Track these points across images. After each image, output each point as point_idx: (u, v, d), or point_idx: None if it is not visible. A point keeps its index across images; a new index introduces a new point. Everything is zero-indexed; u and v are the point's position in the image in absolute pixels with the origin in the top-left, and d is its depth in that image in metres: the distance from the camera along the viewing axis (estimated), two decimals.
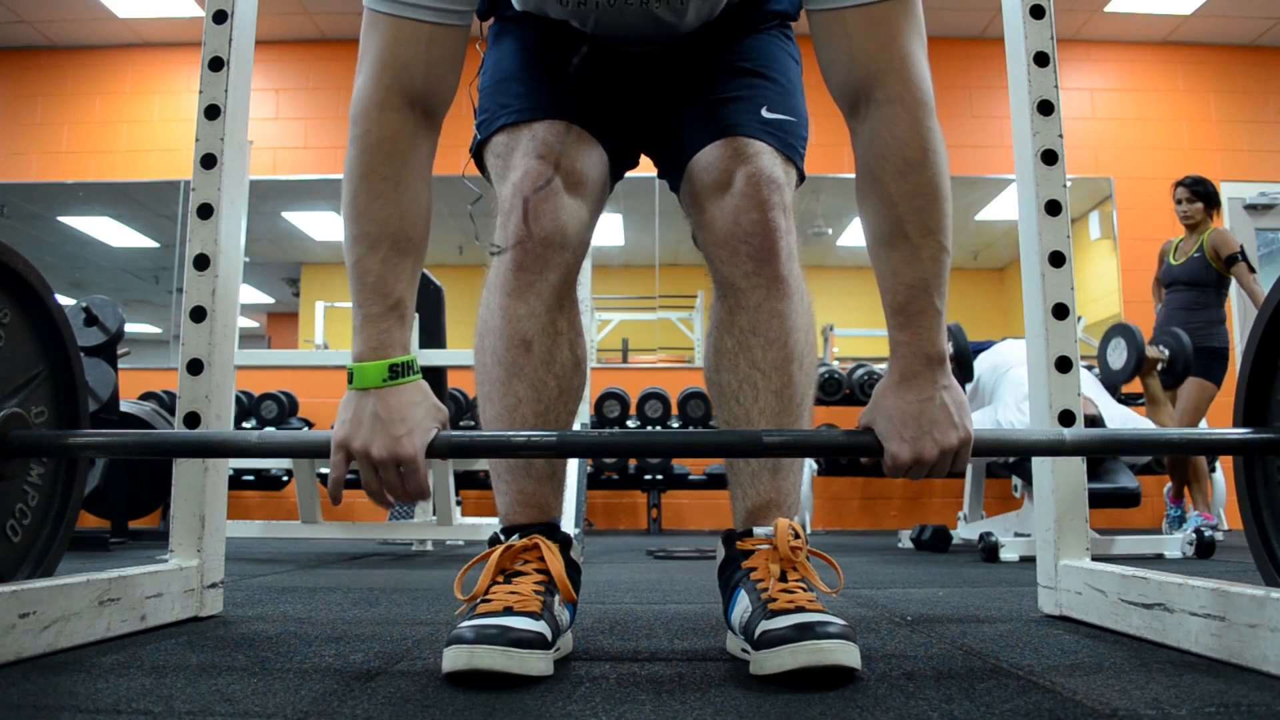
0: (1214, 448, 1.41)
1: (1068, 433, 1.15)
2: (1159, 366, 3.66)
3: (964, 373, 3.39)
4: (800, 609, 0.97)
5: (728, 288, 1.17)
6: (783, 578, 1.04)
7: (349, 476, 1.03)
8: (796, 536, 1.08)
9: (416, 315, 1.05)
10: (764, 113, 1.18)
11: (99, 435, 1.21)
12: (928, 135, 1.01)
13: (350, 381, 1.01)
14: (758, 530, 1.11)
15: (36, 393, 1.15)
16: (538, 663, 0.94)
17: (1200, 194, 4.15)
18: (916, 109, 1.00)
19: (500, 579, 1.05)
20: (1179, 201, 4.20)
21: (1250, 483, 1.06)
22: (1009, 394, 3.29)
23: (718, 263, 1.17)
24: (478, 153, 1.24)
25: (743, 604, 1.05)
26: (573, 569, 1.11)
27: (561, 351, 1.17)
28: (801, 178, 1.23)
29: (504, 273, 1.14)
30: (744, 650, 1.03)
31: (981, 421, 3.24)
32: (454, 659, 0.92)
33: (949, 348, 1.01)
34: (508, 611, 0.98)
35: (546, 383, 1.15)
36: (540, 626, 0.98)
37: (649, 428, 5.43)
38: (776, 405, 1.15)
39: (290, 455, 1.11)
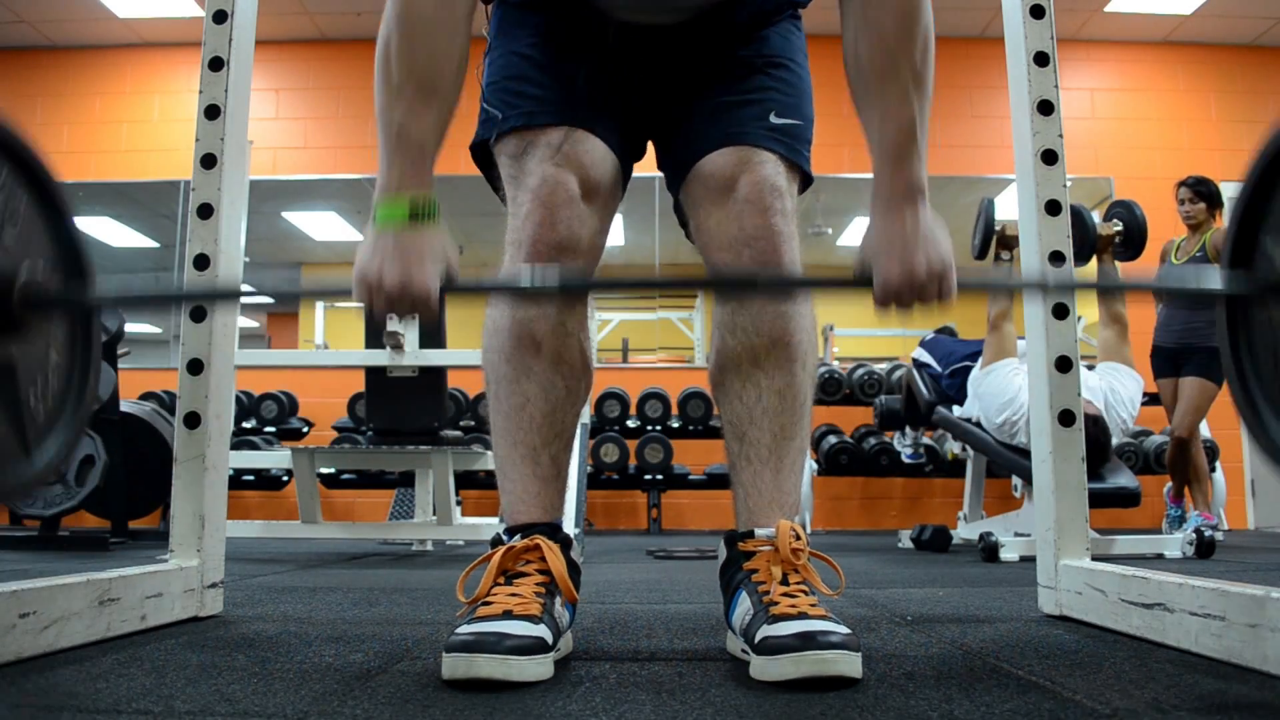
0: (1197, 293, 1.42)
1: (1050, 275, 1.15)
2: (1115, 240, 3.54)
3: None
4: (802, 615, 0.97)
5: None
6: (784, 580, 1.04)
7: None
8: (797, 538, 1.08)
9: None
10: (772, 118, 1.19)
11: (115, 291, 1.22)
12: None
13: (374, 219, 1.04)
14: (759, 531, 1.11)
15: (45, 257, 1.13)
16: (535, 668, 0.94)
17: (1203, 194, 4.15)
18: None
19: (502, 580, 1.05)
20: (1182, 201, 4.19)
21: (1232, 331, 1.04)
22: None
23: (721, 266, 1.18)
24: (482, 146, 1.24)
25: (744, 606, 1.06)
26: (573, 569, 1.11)
27: (570, 352, 1.18)
28: (808, 179, 1.24)
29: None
30: (744, 652, 1.03)
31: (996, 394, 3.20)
32: (453, 667, 0.92)
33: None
34: (507, 615, 0.98)
35: (555, 383, 1.16)
36: (540, 630, 0.98)
37: (649, 428, 5.44)
38: (779, 404, 1.15)
39: (312, 297, 1.16)
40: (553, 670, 0.98)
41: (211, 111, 1.46)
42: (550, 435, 1.16)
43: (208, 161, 1.45)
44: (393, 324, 2.98)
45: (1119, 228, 3.50)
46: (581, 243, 1.16)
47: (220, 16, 1.48)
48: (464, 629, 0.96)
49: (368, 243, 1.02)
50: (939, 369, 3.70)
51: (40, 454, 1.02)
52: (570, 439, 1.20)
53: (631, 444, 5.37)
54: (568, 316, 1.17)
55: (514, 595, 1.02)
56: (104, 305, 1.16)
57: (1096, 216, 3.52)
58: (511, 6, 1.24)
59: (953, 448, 3.88)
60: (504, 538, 1.11)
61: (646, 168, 1.36)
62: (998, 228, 3.48)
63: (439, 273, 1.01)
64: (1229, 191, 4.27)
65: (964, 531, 3.49)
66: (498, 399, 1.17)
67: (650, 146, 1.31)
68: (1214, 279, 1.04)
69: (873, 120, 1.07)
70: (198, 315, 1.43)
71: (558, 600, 1.06)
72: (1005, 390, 3.17)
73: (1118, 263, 3.57)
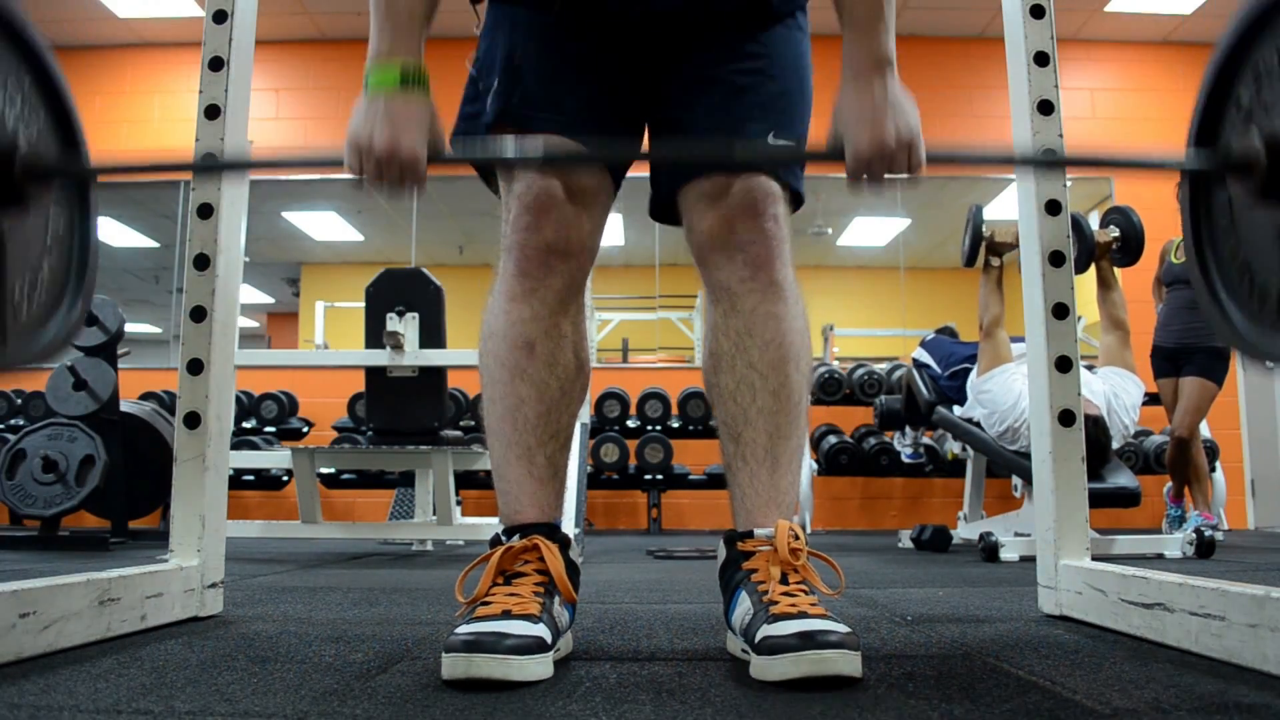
0: (1161, 166, 1.40)
1: (1017, 150, 1.14)
2: (1113, 248, 3.54)
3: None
4: (802, 614, 0.97)
5: (722, 292, 1.18)
6: (783, 580, 1.04)
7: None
8: (796, 538, 1.08)
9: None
10: (770, 139, 1.19)
11: (114, 161, 1.24)
12: None
13: (365, 85, 1.06)
14: (758, 531, 1.11)
15: (43, 130, 1.14)
16: (535, 668, 0.94)
17: None
18: None
19: (500, 580, 1.06)
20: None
21: (1194, 209, 1.03)
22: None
23: (713, 268, 1.19)
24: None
25: (744, 605, 1.06)
26: (572, 569, 1.12)
27: (564, 354, 1.18)
28: (799, 200, 1.24)
29: (508, 278, 1.17)
30: (744, 651, 1.03)
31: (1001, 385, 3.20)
32: (452, 667, 0.92)
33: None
34: (506, 615, 0.98)
35: (549, 384, 1.17)
36: (539, 630, 0.98)
37: (649, 428, 5.44)
38: (774, 404, 1.15)
39: (305, 165, 1.17)
40: (552, 669, 0.98)
41: (211, 111, 1.46)
42: (546, 436, 1.16)
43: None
44: (393, 324, 2.99)
45: (1116, 234, 3.50)
46: (572, 244, 1.17)
47: (220, 16, 1.48)
48: (463, 629, 0.96)
49: (359, 109, 1.05)
50: (939, 370, 3.70)
51: (50, 326, 1.04)
52: (567, 440, 1.20)
53: (631, 444, 5.38)
54: (561, 319, 1.18)
55: (513, 595, 1.02)
56: (102, 174, 1.18)
57: (1095, 221, 3.51)
58: (503, 4, 1.23)
59: (953, 448, 3.87)
60: (502, 538, 1.11)
61: (647, 169, 1.36)
62: (986, 233, 3.48)
63: (425, 140, 1.04)
64: None
65: (964, 531, 3.49)
66: (493, 401, 1.18)
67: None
68: (1177, 155, 1.03)
69: None
70: (198, 315, 1.43)
71: (556, 600, 1.06)
72: (1006, 397, 3.16)
73: (1116, 269, 3.57)
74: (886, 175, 1.04)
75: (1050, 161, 1.40)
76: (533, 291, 1.16)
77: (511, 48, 1.19)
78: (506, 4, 1.22)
